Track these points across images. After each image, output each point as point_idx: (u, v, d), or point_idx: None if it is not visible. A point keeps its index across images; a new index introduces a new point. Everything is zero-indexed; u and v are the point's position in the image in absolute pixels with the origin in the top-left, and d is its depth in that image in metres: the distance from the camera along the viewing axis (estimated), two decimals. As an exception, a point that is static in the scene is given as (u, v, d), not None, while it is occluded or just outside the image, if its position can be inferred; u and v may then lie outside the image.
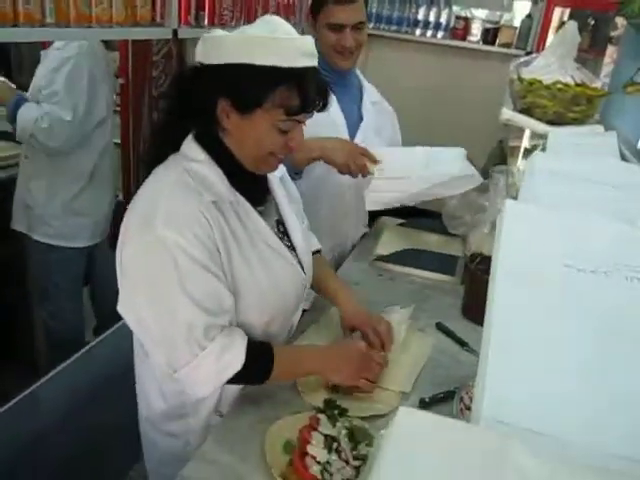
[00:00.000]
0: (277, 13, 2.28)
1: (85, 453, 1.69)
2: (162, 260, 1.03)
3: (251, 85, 1.04)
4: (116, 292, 1.12)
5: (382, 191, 1.68)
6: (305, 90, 1.06)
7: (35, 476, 1.58)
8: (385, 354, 1.32)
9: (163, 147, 1.16)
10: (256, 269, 1.15)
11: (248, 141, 1.11)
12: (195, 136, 1.14)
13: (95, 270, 2.37)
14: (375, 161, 1.65)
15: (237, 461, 1.08)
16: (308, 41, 1.08)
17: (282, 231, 1.27)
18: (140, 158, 1.07)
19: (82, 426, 1.68)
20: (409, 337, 1.51)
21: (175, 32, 1.78)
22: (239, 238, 1.13)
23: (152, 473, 1.34)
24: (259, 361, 1.13)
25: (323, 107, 1.13)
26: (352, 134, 1.84)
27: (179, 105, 1.13)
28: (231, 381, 1.10)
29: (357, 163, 1.61)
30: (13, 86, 2.18)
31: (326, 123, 1.79)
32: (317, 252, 1.50)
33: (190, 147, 1.13)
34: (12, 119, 2.03)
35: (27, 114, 2.01)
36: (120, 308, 1.12)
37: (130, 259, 1.08)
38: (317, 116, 1.76)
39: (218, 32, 1.07)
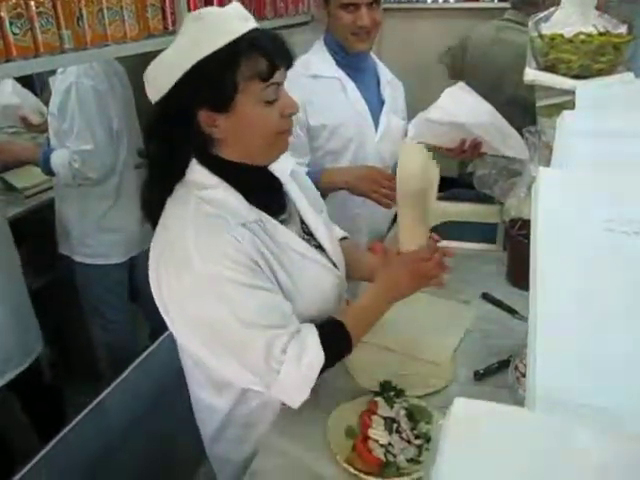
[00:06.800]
0: (285, 2, 2.27)
1: (155, 456, 1.76)
2: (212, 301, 1.00)
3: (217, 75, 0.99)
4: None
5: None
6: (264, 48, 1.00)
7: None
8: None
9: (166, 179, 1.09)
10: (297, 279, 1.13)
11: (248, 134, 1.05)
12: (199, 160, 1.09)
13: (139, 281, 2.41)
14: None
15: (303, 450, 1.11)
16: (236, 6, 1.04)
17: (307, 232, 1.25)
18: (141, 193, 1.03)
19: (149, 430, 1.75)
20: (449, 309, 1.54)
21: (189, 37, 1.79)
22: (274, 253, 1.10)
23: (215, 461, 1.34)
24: (337, 343, 1.12)
25: (289, 58, 1.06)
26: (375, 119, 1.82)
27: (166, 144, 1.06)
28: (323, 370, 1.08)
29: (383, 190, 1.60)
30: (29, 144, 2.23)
31: (350, 112, 1.77)
32: (343, 239, 1.47)
33: (197, 171, 1.08)
34: (50, 172, 2.08)
35: (59, 163, 2.04)
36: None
37: (176, 307, 1.05)
38: (340, 106, 1.74)
39: (150, 67, 1.03)
